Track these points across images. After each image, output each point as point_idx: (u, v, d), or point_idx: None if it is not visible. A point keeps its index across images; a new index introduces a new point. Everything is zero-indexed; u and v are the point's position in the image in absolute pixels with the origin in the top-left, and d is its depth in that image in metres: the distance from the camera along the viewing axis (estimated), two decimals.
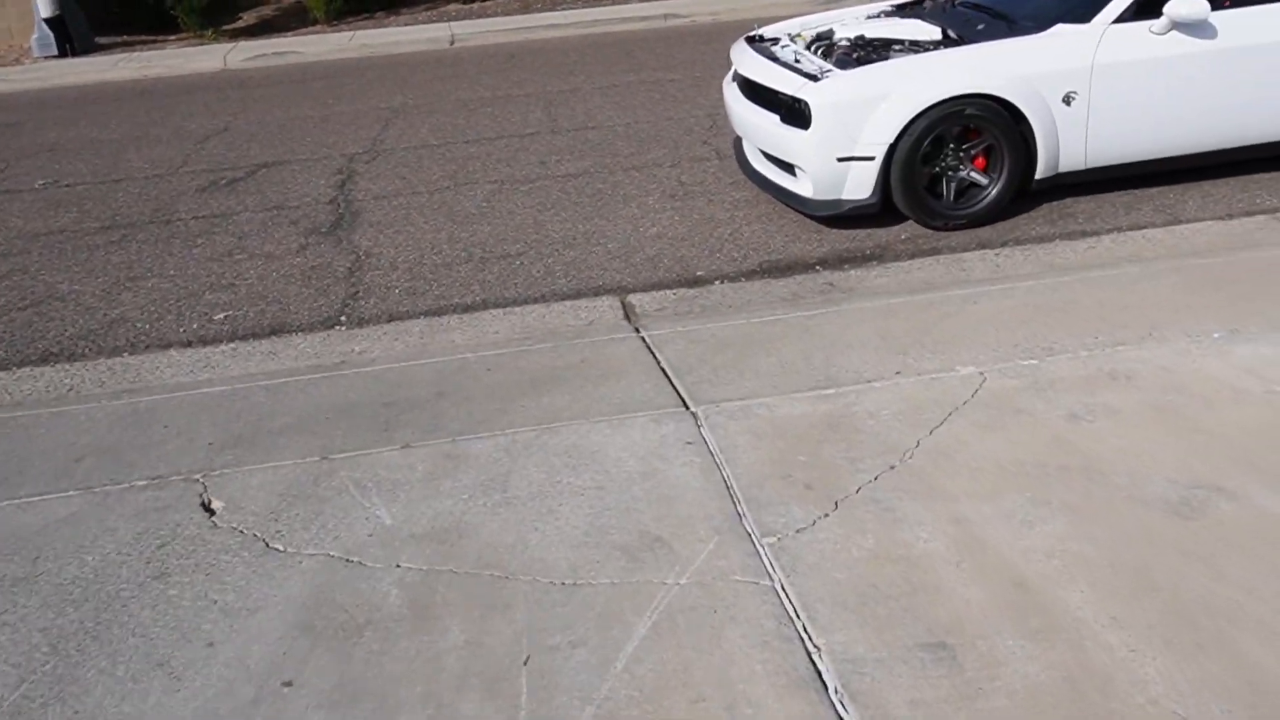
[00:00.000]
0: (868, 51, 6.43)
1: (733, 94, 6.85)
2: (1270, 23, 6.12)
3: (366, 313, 5.73)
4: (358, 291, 6.00)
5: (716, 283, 5.72)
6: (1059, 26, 6.04)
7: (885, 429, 3.76)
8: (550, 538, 3.27)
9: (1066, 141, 6.10)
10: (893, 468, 3.47)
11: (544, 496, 3.50)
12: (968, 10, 6.69)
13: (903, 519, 3.17)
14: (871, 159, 5.94)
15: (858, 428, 3.79)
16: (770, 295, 5.42)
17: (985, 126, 5.96)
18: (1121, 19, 6.01)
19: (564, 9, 15.56)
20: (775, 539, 3.10)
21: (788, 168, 6.28)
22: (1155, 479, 3.32)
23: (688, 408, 4.11)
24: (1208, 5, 5.81)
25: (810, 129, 5.91)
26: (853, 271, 5.67)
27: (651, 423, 3.98)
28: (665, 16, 14.25)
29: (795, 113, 6.06)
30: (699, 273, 5.88)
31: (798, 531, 3.12)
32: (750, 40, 7.15)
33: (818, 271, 5.77)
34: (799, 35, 7.14)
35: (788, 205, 6.41)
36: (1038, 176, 6.14)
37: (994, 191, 6.11)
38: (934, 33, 6.55)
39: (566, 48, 13.04)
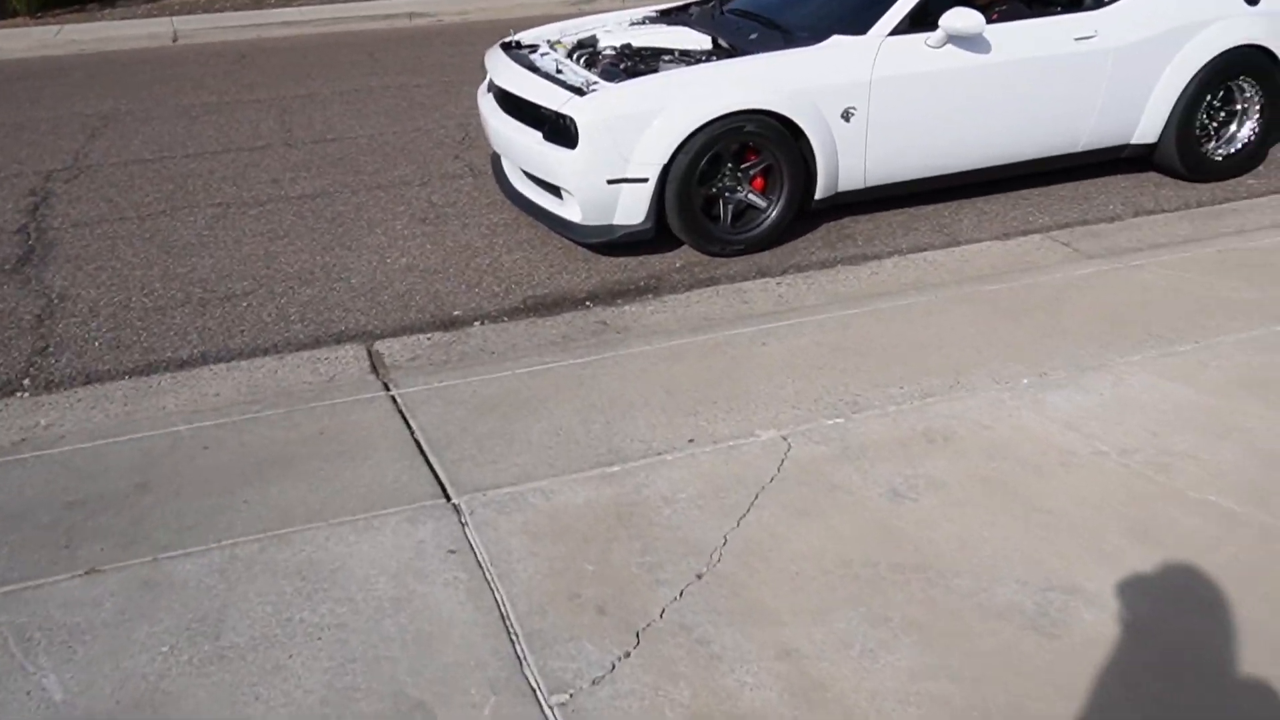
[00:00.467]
0: (635, 62, 5.90)
1: (489, 107, 6.18)
2: (1042, 36, 5.95)
3: (58, 373, 4.76)
4: (48, 345, 5.01)
5: (476, 324, 5.05)
6: (835, 38, 5.66)
7: (685, 520, 3.20)
8: (277, 710, 2.53)
9: (846, 160, 5.75)
10: (700, 576, 2.92)
11: (270, 643, 2.75)
12: (737, 18, 6.25)
13: (721, 655, 2.61)
14: (645, 180, 5.40)
15: (652, 519, 3.22)
16: (538, 338, 4.80)
17: (764, 145, 5.52)
18: (897, 31, 5.70)
19: (301, 5, 14.41)
20: (567, 696, 2.48)
21: (553, 190, 5.67)
22: (1004, 579, 2.90)
23: (449, 498, 3.44)
24: (982, 18, 5.56)
25: (577, 148, 5.32)
26: (627, 307, 5.11)
27: (406, 523, 3.29)
28: (410, 15, 13.38)
29: (560, 130, 5.46)
30: (456, 312, 5.20)
31: (594, 683, 2.51)
32: (506, 47, 6.49)
33: (589, 308, 5.18)
34: (559, 42, 6.54)
35: (553, 230, 5.79)
36: (817, 197, 5.77)
37: (773, 214, 5.69)
38: (704, 42, 6.08)
39: (304, 48, 12.00)
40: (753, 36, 5.91)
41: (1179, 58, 6.24)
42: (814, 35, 5.73)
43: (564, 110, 5.34)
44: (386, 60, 11.01)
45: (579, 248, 5.81)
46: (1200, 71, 6.25)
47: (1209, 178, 6.61)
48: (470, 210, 6.46)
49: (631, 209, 5.47)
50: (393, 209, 6.52)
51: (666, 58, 5.89)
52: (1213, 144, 6.56)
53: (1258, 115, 6.58)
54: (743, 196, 5.67)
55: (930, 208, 6.31)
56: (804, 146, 5.59)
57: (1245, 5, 6.36)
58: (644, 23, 6.70)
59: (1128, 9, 6.11)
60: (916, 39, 5.72)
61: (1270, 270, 5.03)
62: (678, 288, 5.38)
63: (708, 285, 5.38)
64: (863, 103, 5.65)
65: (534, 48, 6.45)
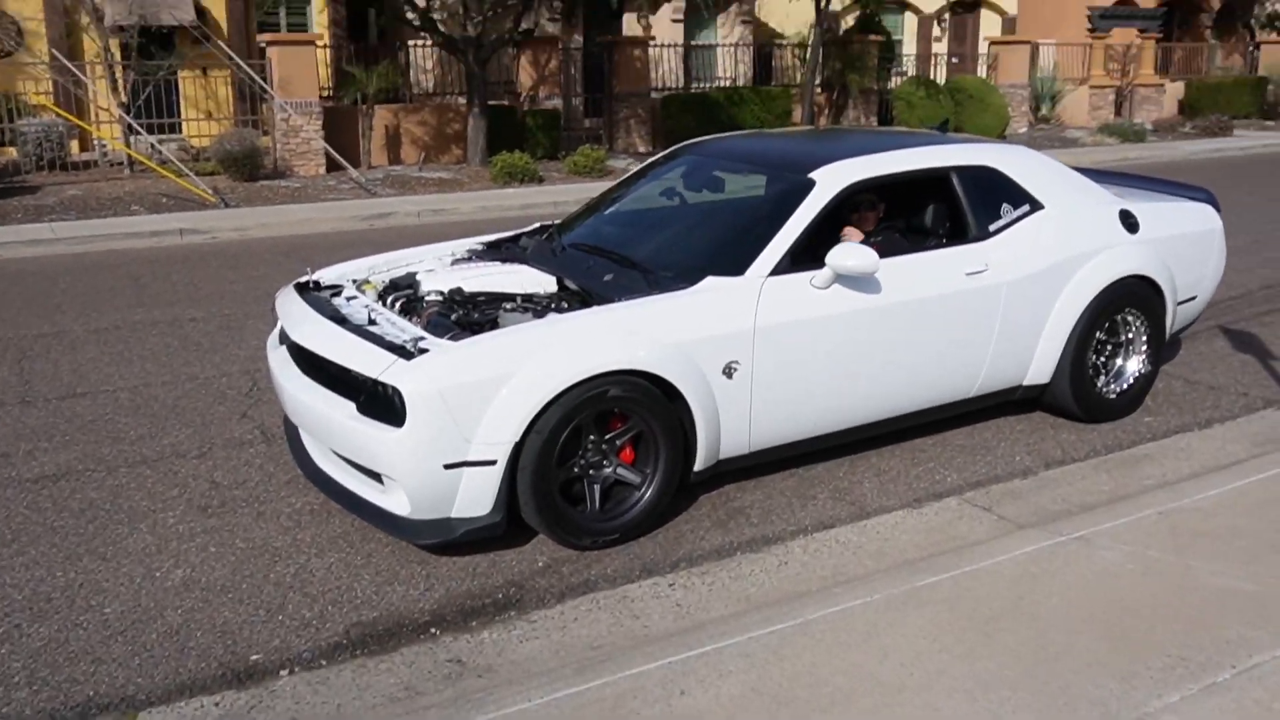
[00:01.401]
0: (469, 311, 4.84)
1: (283, 365, 4.98)
2: (933, 272, 5.24)
3: None
4: None
5: (284, 673, 3.74)
6: (710, 280, 4.78)
7: None
8: None
9: (729, 422, 4.80)
10: None
11: None
12: (584, 255, 5.32)
13: None
14: (492, 464, 4.28)
15: None
16: (372, 693, 3.55)
17: (634, 410, 4.52)
18: (779, 270, 4.87)
19: (51, 219, 12.84)
20: None
21: (372, 475, 4.46)
22: None
23: None
24: (876, 255, 4.79)
25: (404, 426, 4.17)
26: (485, 634, 3.91)
27: None
28: (181, 232, 12.06)
29: (380, 403, 4.31)
30: (254, 655, 3.86)
31: None
32: (302, 289, 5.35)
33: (434, 636, 3.95)
34: (367, 283, 5.45)
35: (373, 526, 4.55)
36: (697, 468, 4.78)
37: (649, 492, 4.64)
38: (548, 284, 5.10)
39: (54, 271, 10.48)
40: (607, 278, 4.97)
41: (1068, 291, 5.67)
42: (683, 277, 4.84)
43: (386, 378, 4.20)
44: (155, 287, 9.63)
45: (413, 548, 4.58)
46: (1090, 305, 5.70)
47: (1104, 417, 5.99)
48: (265, 493, 5.15)
49: (475, 499, 4.32)
50: (163, 494, 5.13)
51: (507, 306, 4.87)
52: (1103, 381, 5.97)
53: (1145, 349, 6.05)
54: (611, 473, 4.61)
55: (822, 467, 5.40)
56: (681, 410, 4.62)
57: (1126, 234, 5.88)
58: (470, 259, 5.70)
59: (1014, 239, 5.52)
60: (800, 279, 4.91)
61: (1234, 541, 4.28)
62: (546, 598, 4.21)
63: (584, 592, 4.23)
64: (746, 355, 4.74)
65: (337, 289, 5.34)
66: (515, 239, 5.94)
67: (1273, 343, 7.44)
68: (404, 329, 4.65)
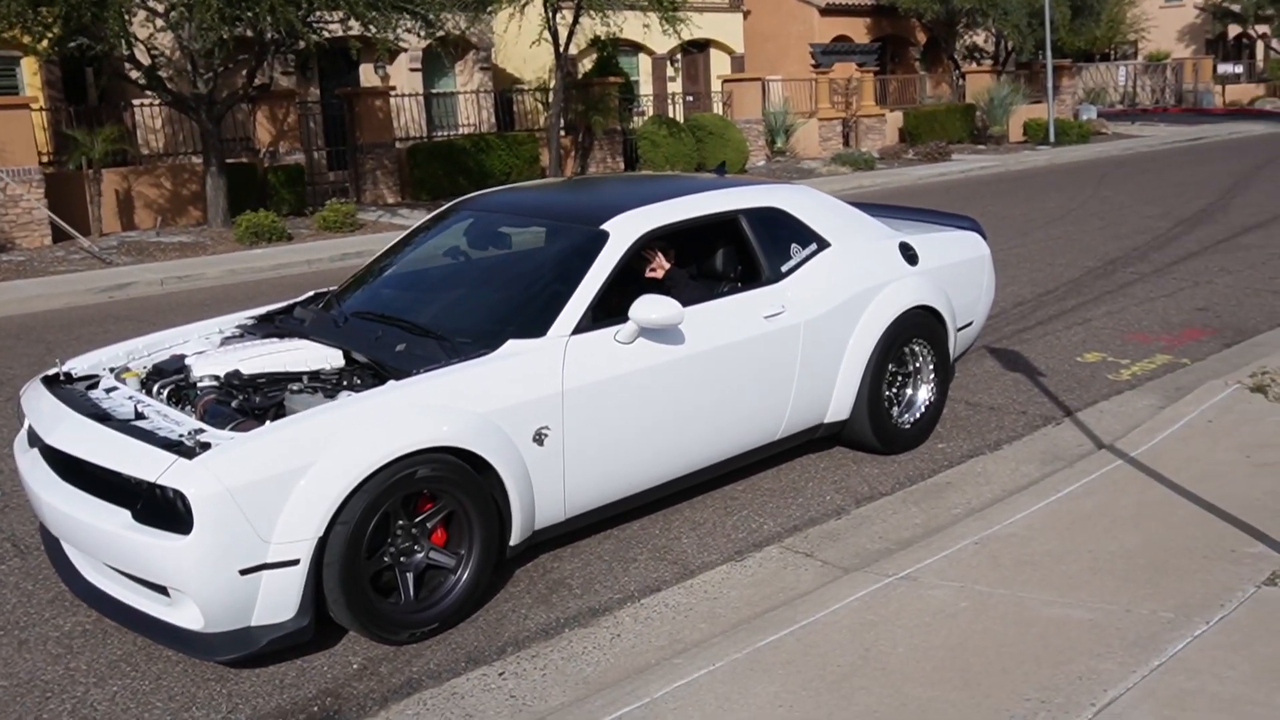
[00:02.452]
0: (250, 395, 4.42)
1: (36, 471, 4.41)
2: (733, 318, 5.18)
3: None
4: None
5: None
6: (511, 344, 4.54)
7: None
8: None
9: (543, 490, 4.56)
10: None
11: None
12: (370, 323, 4.96)
13: None
14: (294, 563, 3.89)
15: None
16: None
17: (444, 489, 4.22)
18: (581, 328, 4.68)
19: None
20: None
21: (156, 587, 3.98)
22: None
23: None
24: (680, 307, 4.68)
25: (192, 533, 3.73)
26: None
27: None
28: None
29: (159, 508, 3.86)
30: None
31: None
32: (51, 382, 4.77)
33: None
34: (127, 370, 4.92)
35: (161, 644, 4.04)
36: (513, 542, 4.52)
37: (466, 574, 4.35)
38: (334, 358, 4.74)
39: None
40: (400, 348, 4.64)
41: (860, 326, 5.73)
42: (482, 342, 4.59)
43: (165, 481, 3.76)
44: None
45: (207, 664, 4.10)
46: (881, 338, 5.78)
47: (900, 448, 6.09)
48: (25, 617, 4.53)
49: (278, 603, 3.91)
50: None
51: (293, 387, 4.47)
52: (897, 412, 6.07)
53: (933, 377, 6.20)
54: (423, 558, 4.29)
55: (637, 525, 5.23)
56: (493, 483, 4.35)
57: (908, 266, 6.02)
58: (241, 336, 5.24)
59: (806, 279, 5.54)
60: (604, 336, 4.73)
61: (1056, 567, 4.37)
62: (367, 706, 3.84)
63: (408, 693, 3.89)
64: (556, 420, 4.53)
65: (93, 380, 4.81)
66: (288, 310, 5.51)
67: (1036, 359, 7.82)
68: (178, 421, 4.19)
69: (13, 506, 5.69)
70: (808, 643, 3.98)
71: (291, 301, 5.62)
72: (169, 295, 12.13)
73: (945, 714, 3.39)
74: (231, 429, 4.10)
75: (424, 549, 4.27)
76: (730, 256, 5.67)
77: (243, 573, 3.82)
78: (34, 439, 4.64)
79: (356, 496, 3.95)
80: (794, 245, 5.64)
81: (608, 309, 4.84)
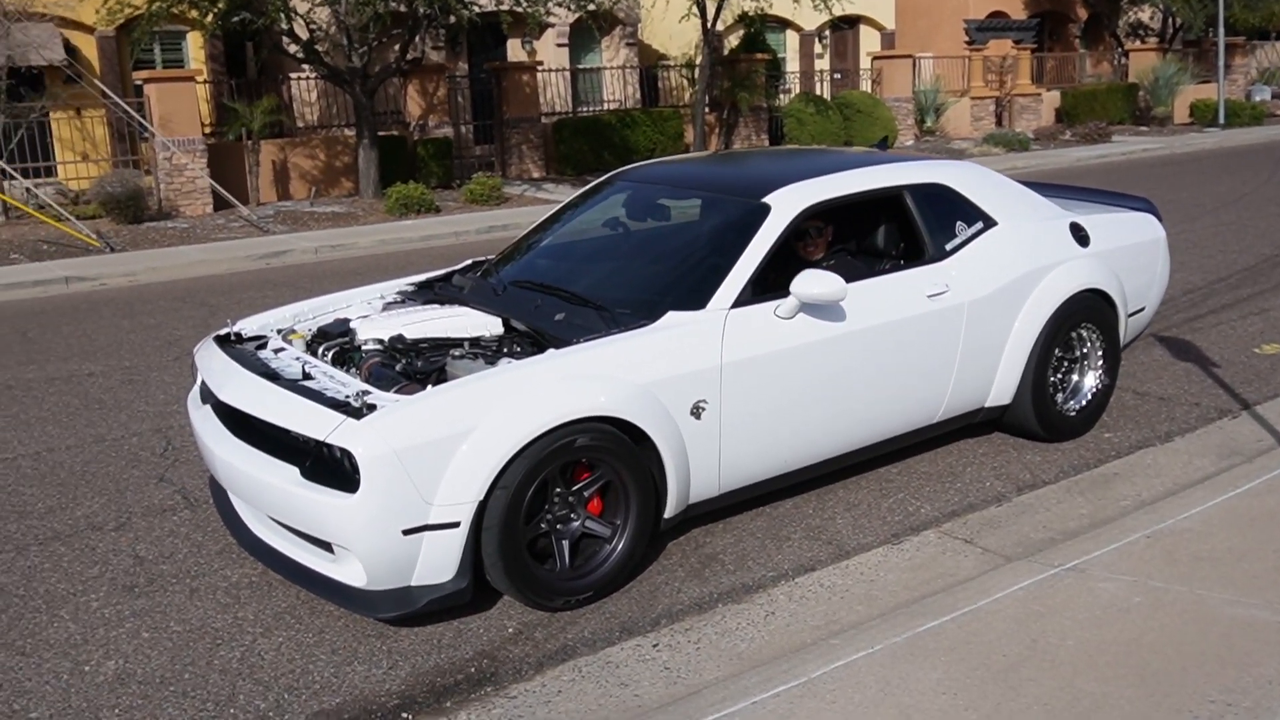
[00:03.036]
0: (413, 359, 4.48)
1: (207, 424, 4.55)
2: (896, 296, 5.04)
3: None
4: None
5: None
6: (671, 316, 4.50)
7: None
8: None
9: (698, 464, 4.52)
10: None
11: None
12: (530, 292, 4.98)
13: None
14: (455, 526, 3.92)
15: None
16: None
17: (602, 459, 4.21)
18: (741, 302, 4.61)
19: None
20: None
21: (321, 543, 4.07)
22: None
23: None
24: (843, 285, 4.56)
25: (359, 492, 3.79)
26: (463, 716, 3.54)
27: None
28: (67, 280, 11.35)
29: (328, 467, 3.94)
30: None
31: None
32: (223, 341, 4.92)
33: None
34: (294, 332, 5.03)
35: (324, 599, 4.14)
36: (667, 515, 4.48)
37: (622, 544, 4.33)
38: (494, 326, 4.76)
39: None
40: (559, 317, 4.64)
41: (1026, 308, 5.52)
42: (642, 313, 4.55)
43: (335, 440, 3.82)
44: (45, 340, 8.98)
45: (370, 621, 4.18)
46: (1049, 322, 5.56)
47: (1064, 436, 5.86)
48: (196, 567, 4.69)
49: (438, 564, 3.96)
50: (82, 574, 4.64)
51: (455, 353, 4.51)
52: (1062, 399, 5.84)
53: (1101, 364, 5.95)
54: (579, 526, 4.29)
55: (790, 504, 5.15)
56: (649, 455, 4.32)
57: (1078, 247, 5.78)
58: (402, 301, 5.32)
59: (971, 258, 5.35)
60: (764, 310, 4.65)
61: (1238, 565, 4.14)
62: (523, 669, 3.86)
63: (563, 659, 3.90)
64: (714, 394, 4.47)
65: (260, 341, 4.93)
66: (447, 278, 5.58)
67: (1209, 349, 7.45)
68: (344, 383, 4.26)
69: (183, 460, 5.91)
70: (970, 631, 3.86)
71: (450, 269, 5.69)
72: (322, 263, 12.46)
73: (1121, 710, 3.23)
74: (396, 391, 4.16)
75: (580, 518, 4.27)
76: (891, 234, 5.53)
77: (405, 533, 3.87)
78: (206, 395, 4.79)
79: (516, 462, 3.97)
80: (959, 223, 5.46)
81: (765, 285, 4.76)
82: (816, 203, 4.98)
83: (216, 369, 4.61)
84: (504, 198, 16.32)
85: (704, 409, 4.45)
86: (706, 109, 21.04)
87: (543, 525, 4.19)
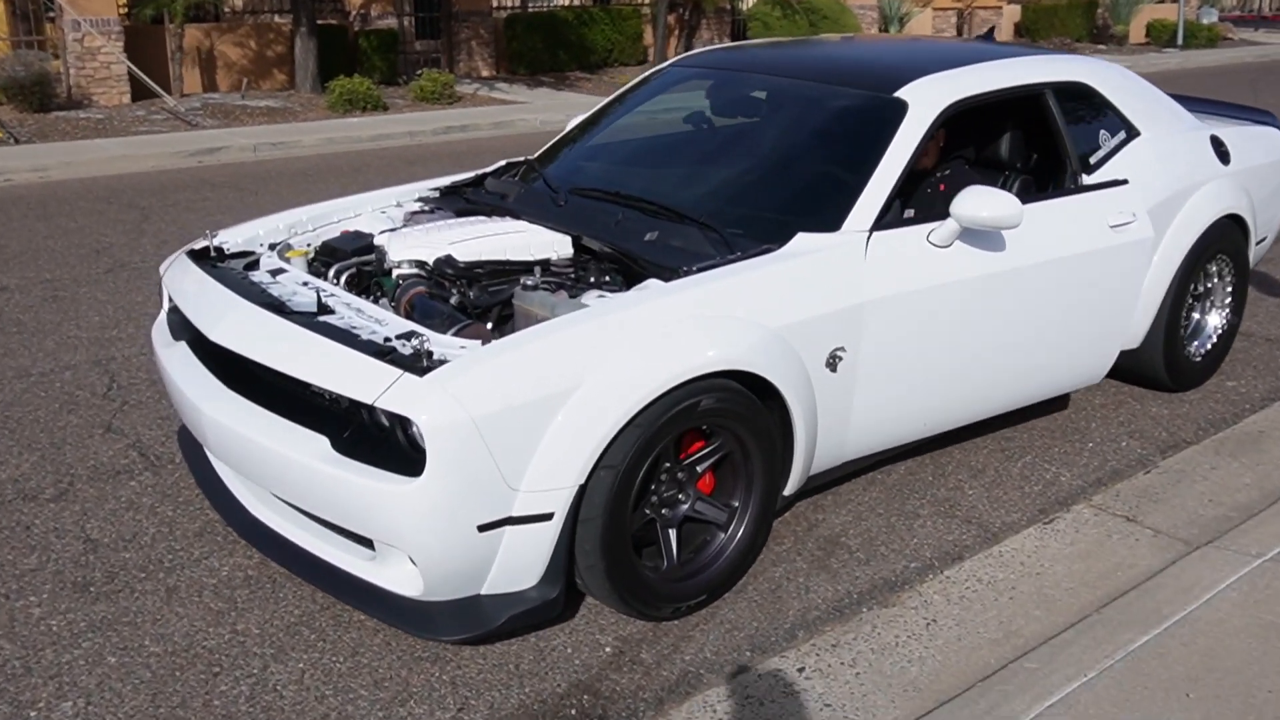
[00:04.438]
0: (470, 289, 3.42)
1: (184, 369, 3.47)
2: (1075, 225, 4.09)
3: None
4: None
5: None
6: (802, 239, 3.49)
7: None
8: None
9: (826, 427, 3.55)
10: None
11: None
12: (602, 204, 3.91)
13: None
14: (547, 518, 2.92)
15: None
16: None
17: (726, 423, 3.22)
18: (884, 222, 3.62)
19: None
20: None
21: (357, 537, 3.04)
22: None
23: None
24: (1020, 207, 3.57)
25: (425, 475, 2.76)
26: None
27: None
28: None
29: (373, 437, 2.91)
30: None
31: None
32: (200, 257, 3.79)
33: None
34: (292, 249, 3.93)
35: (355, 607, 3.10)
36: (787, 491, 3.53)
37: (741, 531, 3.39)
38: (562, 245, 3.69)
39: None
40: (650, 237, 3.60)
41: (1169, 236, 4.62)
42: (762, 234, 3.54)
43: (389, 404, 2.78)
44: None
45: (420, 642, 3.17)
46: (1190, 252, 4.68)
47: (1187, 384, 5.03)
48: (169, 553, 3.61)
49: (520, 568, 2.97)
50: (15, 565, 3.54)
51: (527, 281, 3.45)
52: (1185, 341, 4.99)
53: (1229, 301, 5.10)
54: (686, 508, 3.31)
55: (903, 469, 4.24)
56: (774, 418, 3.35)
57: (1220, 165, 4.88)
58: (431, 211, 4.22)
59: (1116, 174, 4.41)
60: (913, 235, 3.67)
61: None
62: (640, 709, 2.91)
63: (687, 692, 2.96)
64: (852, 339, 3.50)
65: (250, 260, 3.82)
66: (477, 182, 4.48)
67: None
68: (380, 319, 3.20)
69: (134, 403, 4.78)
70: (1202, 650, 3.01)
71: (480, 172, 4.58)
72: (264, 162, 11.12)
73: None
74: (454, 334, 3.11)
75: (690, 499, 3.30)
76: (1018, 142, 4.55)
77: (481, 529, 2.86)
78: (181, 329, 3.68)
79: (627, 432, 2.97)
80: (1102, 132, 4.51)
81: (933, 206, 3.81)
82: (961, 99, 3.99)
83: (199, 296, 3.50)
84: (456, 96, 14.98)
85: (840, 358, 3.47)
86: (667, 9, 19.69)
87: (647, 511, 3.20)
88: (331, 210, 4.23)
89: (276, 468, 3.05)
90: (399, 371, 2.82)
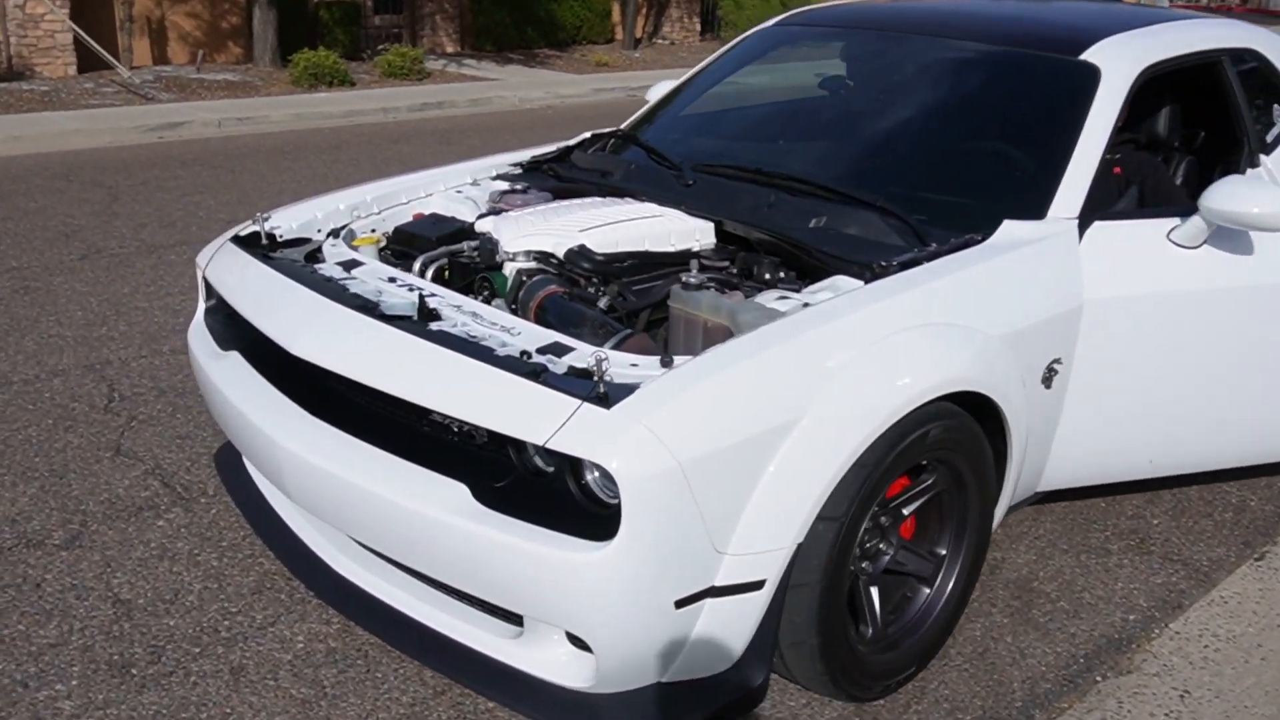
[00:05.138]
0: (636, 297, 2.76)
1: (245, 388, 2.76)
2: None
3: None
4: None
5: None
6: (1010, 228, 2.85)
7: None
8: None
9: (1032, 455, 2.93)
10: None
11: None
12: (741, 184, 3.22)
13: None
14: (757, 586, 2.26)
15: None
16: None
17: (944, 457, 2.58)
18: (1102, 215, 3.00)
19: None
20: None
21: (495, 609, 2.37)
22: None
23: None
24: None
25: (619, 538, 2.09)
26: None
27: None
28: None
29: (536, 487, 2.22)
30: None
31: None
32: (249, 243, 3.08)
33: None
34: (363, 234, 3.23)
35: (488, 697, 2.41)
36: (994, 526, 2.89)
37: (951, 583, 2.78)
38: (704, 232, 3.02)
39: None
40: (817, 223, 2.94)
41: None
42: (961, 221, 2.91)
43: (572, 447, 2.11)
44: None
45: None
46: None
47: None
48: (224, 616, 2.89)
49: (716, 650, 2.32)
50: (30, 639, 2.80)
51: (690, 278, 2.76)
52: None
53: None
54: (889, 561, 2.67)
55: (1068, 493, 3.63)
56: (996, 445, 2.73)
57: None
58: (525, 190, 3.50)
59: None
60: (1148, 228, 3.04)
61: None
62: None
63: None
64: (1068, 348, 2.87)
65: (308, 247, 3.11)
66: (562, 156, 3.78)
67: None
68: (509, 327, 2.51)
69: (143, 419, 4.02)
70: None
71: (563, 145, 3.88)
72: (231, 139, 10.25)
73: None
74: (614, 346, 2.45)
75: (893, 548, 2.66)
76: (1174, 116, 3.95)
77: (679, 604, 2.19)
78: (227, 335, 2.97)
79: (852, 473, 2.33)
80: (1276, 106, 3.93)
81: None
82: (1154, 64, 3.37)
83: (264, 296, 2.79)
84: (425, 73, 14.15)
85: (1056, 371, 2.85)
86: None
87: (850, 568, 2.55)
88: (398, 189, 3.51)
89: (393, 523, 2.35)
90: (575, 401, 2.14)
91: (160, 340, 4.80)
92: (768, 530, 2.23)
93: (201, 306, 3.20)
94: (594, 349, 2.37)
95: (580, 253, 2.79)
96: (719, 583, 2.23)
